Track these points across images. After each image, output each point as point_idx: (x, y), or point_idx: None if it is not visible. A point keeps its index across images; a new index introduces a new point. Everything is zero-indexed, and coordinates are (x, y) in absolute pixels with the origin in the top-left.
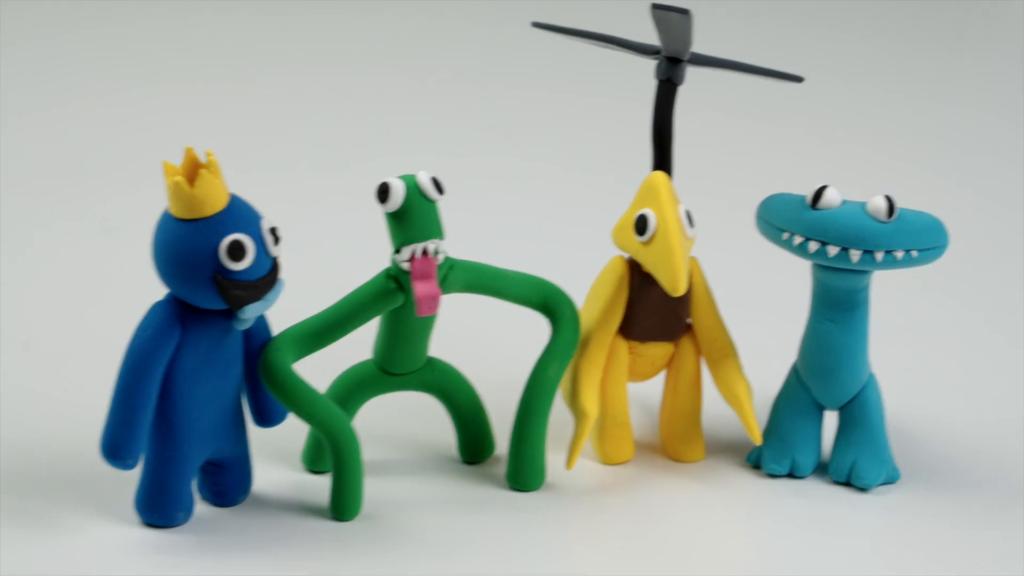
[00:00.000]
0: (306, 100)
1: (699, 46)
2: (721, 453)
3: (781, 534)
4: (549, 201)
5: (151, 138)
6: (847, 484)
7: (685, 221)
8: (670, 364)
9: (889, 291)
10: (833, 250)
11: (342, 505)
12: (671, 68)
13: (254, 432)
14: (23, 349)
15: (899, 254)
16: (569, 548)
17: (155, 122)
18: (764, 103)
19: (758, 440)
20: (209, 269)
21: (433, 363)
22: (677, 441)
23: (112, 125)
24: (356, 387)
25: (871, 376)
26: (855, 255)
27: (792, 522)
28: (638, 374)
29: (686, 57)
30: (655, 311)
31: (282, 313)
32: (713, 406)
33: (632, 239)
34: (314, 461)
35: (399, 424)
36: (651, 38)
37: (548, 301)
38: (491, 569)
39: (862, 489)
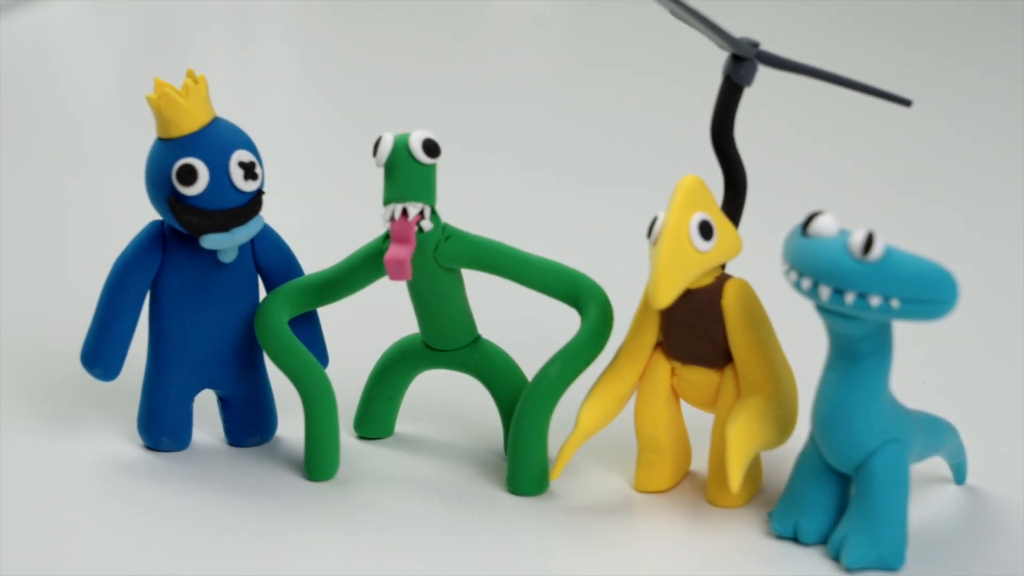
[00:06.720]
0: (380, 61)
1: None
2: (766, 504)
3: None
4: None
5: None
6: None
7: (695, 232)
8: None
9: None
10: (806, 283)
11: (312, 464)
12: (732, 65)
13: None
14: None
15: (874, 300)
16: (515, 558)
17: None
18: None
19: (733, 488)
20: (166, 190)
21: (480, 345)
22: (711, 482)
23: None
24: (401, 356)
25: (890, 444)
26: (824, 292)
27: None
28: (690, 400)
29: (748, 54)
30: (686, 330)
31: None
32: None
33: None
34: (359, 426)
35: (471, 406)
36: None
37: (577, 295)
38: (427, 560)
39: (847, 569)
